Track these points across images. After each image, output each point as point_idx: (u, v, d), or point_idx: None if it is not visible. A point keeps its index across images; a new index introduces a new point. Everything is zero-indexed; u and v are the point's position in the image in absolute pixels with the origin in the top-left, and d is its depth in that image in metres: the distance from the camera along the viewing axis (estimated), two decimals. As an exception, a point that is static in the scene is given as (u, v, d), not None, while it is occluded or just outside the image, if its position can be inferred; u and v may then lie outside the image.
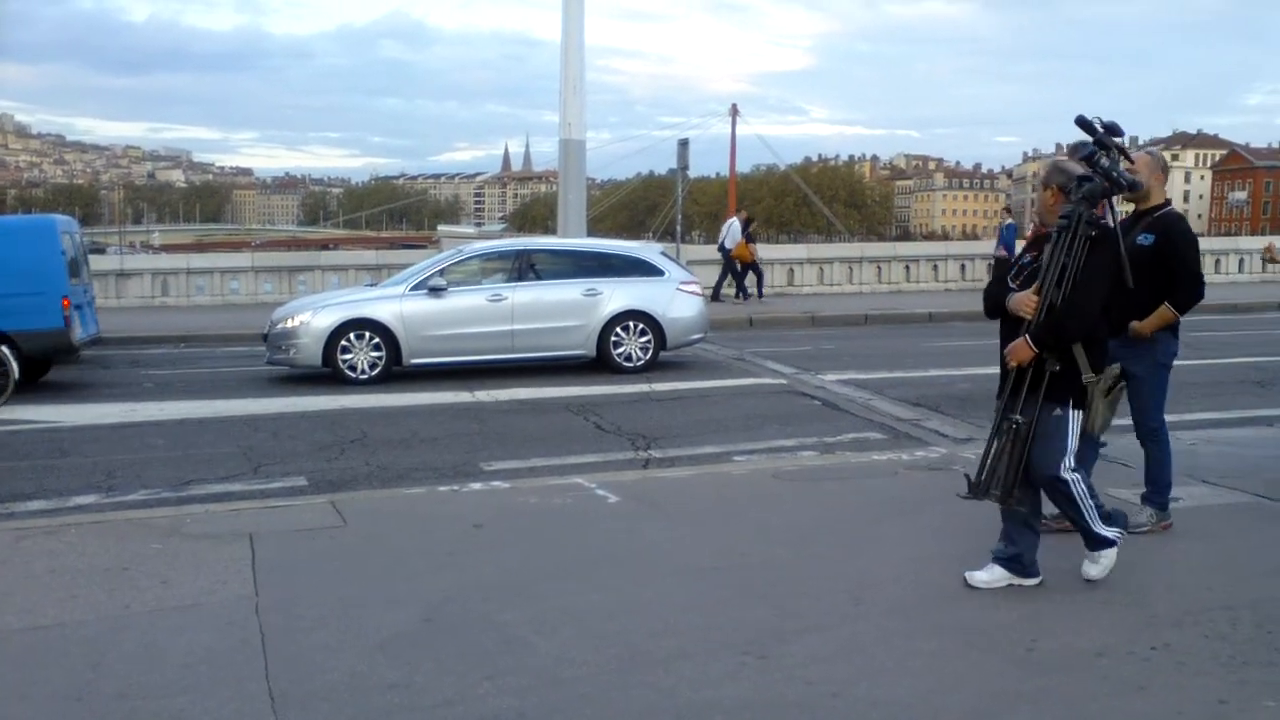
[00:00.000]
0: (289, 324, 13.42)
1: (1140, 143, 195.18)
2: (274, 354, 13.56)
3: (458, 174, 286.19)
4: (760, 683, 4.27)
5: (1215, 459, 7.80)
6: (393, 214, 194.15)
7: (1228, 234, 65.05)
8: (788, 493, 7.34)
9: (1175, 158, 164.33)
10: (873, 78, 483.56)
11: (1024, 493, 5.13)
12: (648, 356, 14.17)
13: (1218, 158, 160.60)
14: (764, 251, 27.49)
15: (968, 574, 5.29)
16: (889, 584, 5.43)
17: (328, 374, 13.14)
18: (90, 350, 14.87)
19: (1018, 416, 4.97)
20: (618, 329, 14.09)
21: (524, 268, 14.20)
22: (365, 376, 13.10)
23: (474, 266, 14.45)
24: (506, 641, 4.68)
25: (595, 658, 4.54)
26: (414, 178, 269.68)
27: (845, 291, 26.64)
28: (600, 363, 13.98)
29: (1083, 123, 5.00)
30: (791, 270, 27.38)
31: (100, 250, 52.00)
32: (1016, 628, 4.80)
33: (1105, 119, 5.02)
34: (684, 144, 28.19)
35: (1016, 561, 5.24)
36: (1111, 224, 5.04)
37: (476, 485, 7.68)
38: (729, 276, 24.54)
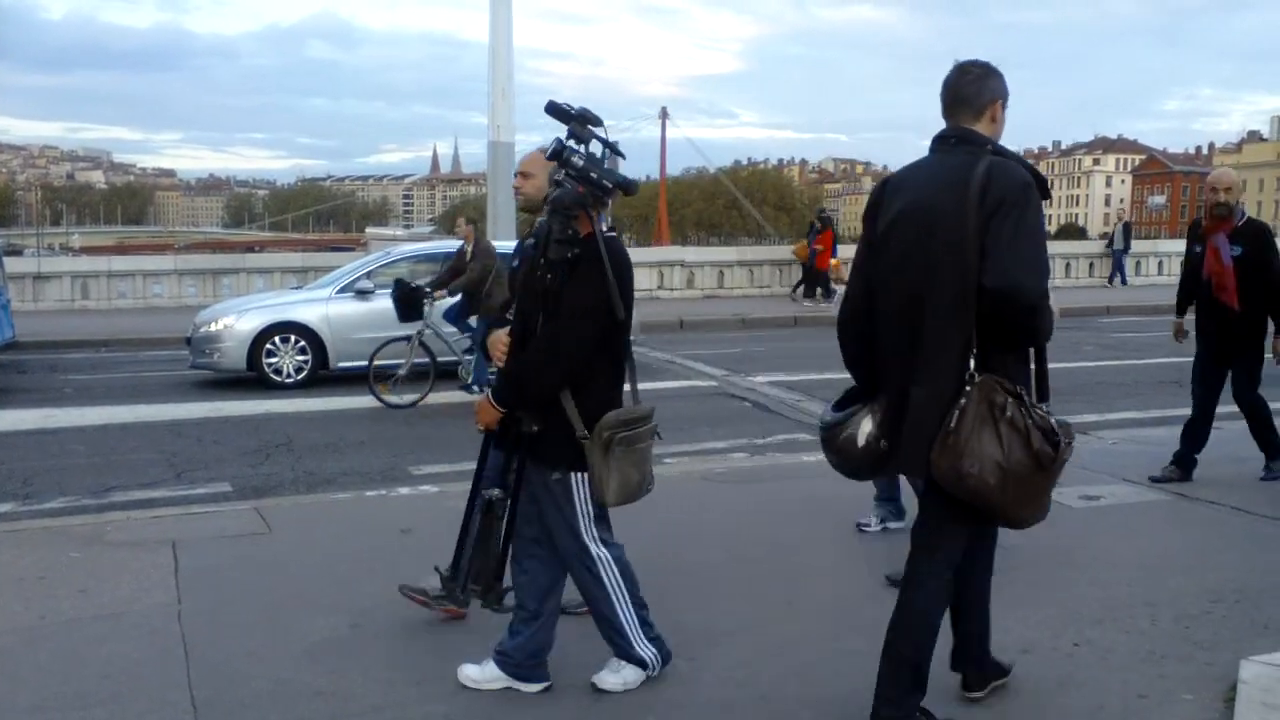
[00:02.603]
0: (213, 327, 13.22)
1: (1063, 146, 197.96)
2: (198, 358, 13.34)
3: (386, 176, 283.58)
4: (690, 685, 4.27)
5: (1135, 457, 7.95)
6: (319, 216, 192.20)
7: (1148, 237, 66.65)
8: (718, 495, 7.36)
9: (1096, 162, 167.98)
10: (802, 81, 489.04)
11: (530, 581, 4.12)
12: (578, 359, 14.10)
13: (1137, 162, 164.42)
14: (693, 254, 27.56)
15: (460, 669, 4.25)
16: (819, 585, 5.46)
17: (253, 378, 12.95)
18: (6, 355, 14.55)
19: (494, 491, 4.05)
20: (548, 331, 14.01)
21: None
22: (291, 380, 12.94)
23: (402, 269, 14.31)
24: (435, 647, 4.64)
25: (525, 662, 4.51)
26: (341, 179, 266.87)
27: (776, 294, 26.77)
28: (530, 365, 13.88)
29: (553, 110, 3.88)
30: (721, 273, 27.48)
31: (17, 252, 50.79)
32: (944, 627, 4.84)
33: (579, 106, 3.89)
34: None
35: (508, 658, 4.17)
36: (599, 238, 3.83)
37: (404, 490, 7.61)
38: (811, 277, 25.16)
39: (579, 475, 3.95)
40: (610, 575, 4.05)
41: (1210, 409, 7.36)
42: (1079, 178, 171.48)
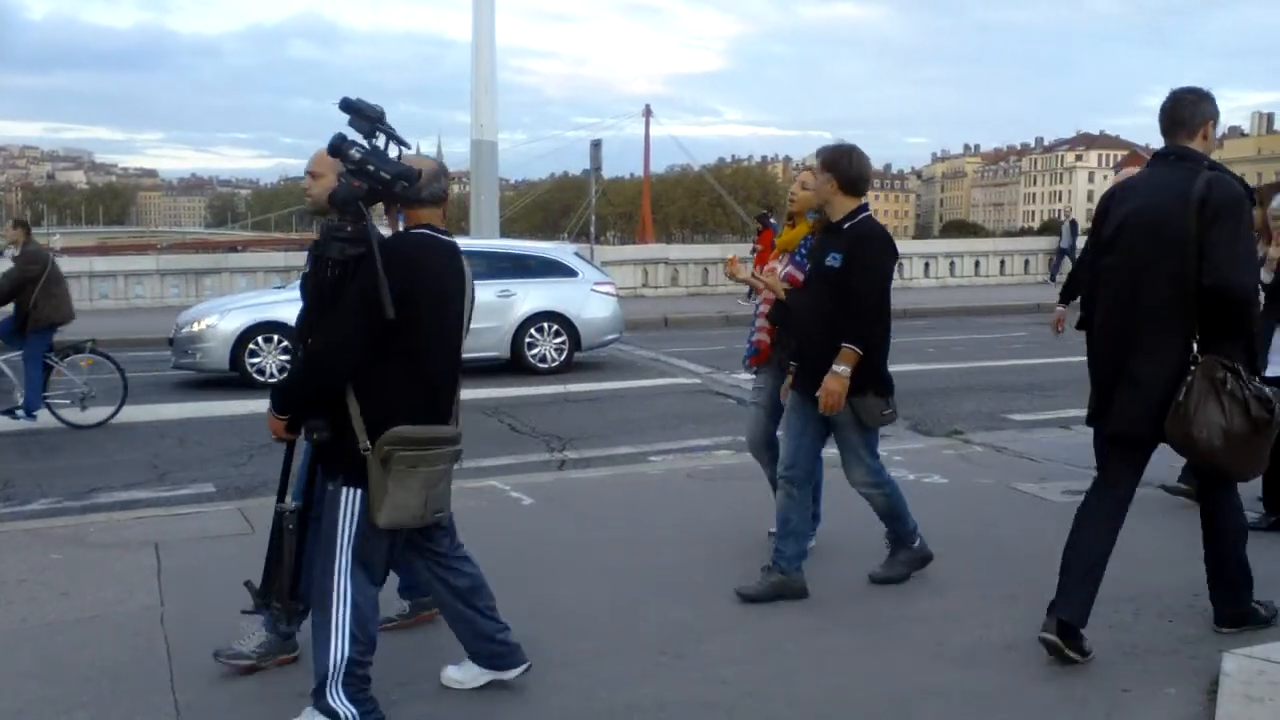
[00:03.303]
0: (196, 327, 13.18)
1: (1045, 143, 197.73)
2: (180, 358, 13.30)
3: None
4: (677, 683, 4.27)
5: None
6: (303, 215, 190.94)
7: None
8: (703, 492, 7.35)
9: (1079, 158, 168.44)
10: (785, 79, 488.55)
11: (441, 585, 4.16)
12: (563, 357, 14.13)
13: (1119, 158, 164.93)
14: (677, 252, 27.52)
15: (442, 671, 4.29)
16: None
17: (236, 378, 12.91)
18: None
19: (289, 502, 3.98)
20: (532, 330, 14.04)
21: (436, 269, 14.04)
22: (274, 380, 12.88)
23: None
24: (418, 646, 4.63)
25: (510, 661, 4.50)
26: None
27: (759, 291, 26.76)
28: (515, 364, 13.91)
29: (346, 105, 3.75)
30: (705, 270, 27.50)
31: (-2, 253, 50.63)
32: (928, 623, 4.86)
33: (356, 98, 3.77)
34: (597, 145, 28.28)
35: (478, 653, 4.24)
36: (371, 235, 3.63)
37: (389, 489, 7.58)
38: None
39: (351, 491, 3.71)
40: (340, 614, 3.72)
41: None
42: (1061, 174, 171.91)
